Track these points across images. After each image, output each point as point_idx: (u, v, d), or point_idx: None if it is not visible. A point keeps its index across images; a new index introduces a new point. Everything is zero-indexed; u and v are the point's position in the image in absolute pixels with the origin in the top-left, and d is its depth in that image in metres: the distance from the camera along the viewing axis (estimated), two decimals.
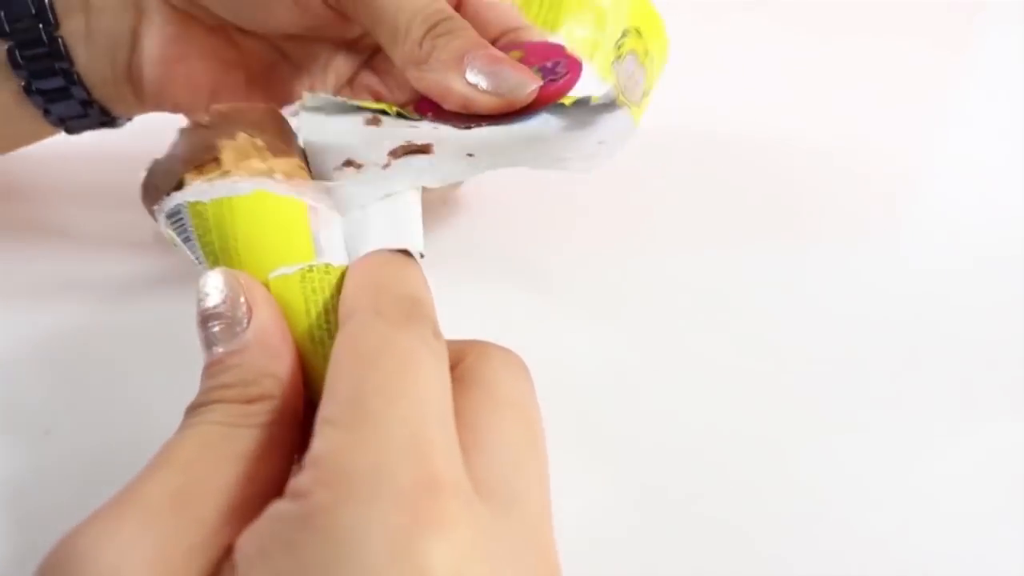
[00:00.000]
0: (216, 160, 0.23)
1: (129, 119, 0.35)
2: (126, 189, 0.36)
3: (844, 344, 0.30)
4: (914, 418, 0.28)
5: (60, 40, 0.30)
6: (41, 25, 0.29)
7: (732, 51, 0.50)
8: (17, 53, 0.30)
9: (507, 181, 0.33)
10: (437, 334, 0.21)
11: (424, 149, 0.25)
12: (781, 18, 0.55)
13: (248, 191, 0.23)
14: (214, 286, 0.22)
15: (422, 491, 0.17)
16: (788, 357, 0.30)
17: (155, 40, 0.31)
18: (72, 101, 0.31)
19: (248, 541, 0.17)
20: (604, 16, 0.24)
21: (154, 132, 0.34)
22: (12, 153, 0.34)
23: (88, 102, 0.32)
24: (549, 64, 0.28)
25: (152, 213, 0.25)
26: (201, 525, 0.18)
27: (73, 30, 0.30)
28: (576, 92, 0.27)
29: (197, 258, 0.24)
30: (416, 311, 0.21)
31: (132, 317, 0.32)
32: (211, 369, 0.21)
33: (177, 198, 0.23)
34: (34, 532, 0.24)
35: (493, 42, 0.30)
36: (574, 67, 0.27)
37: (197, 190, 0.23)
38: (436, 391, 0.19)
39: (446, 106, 0.27)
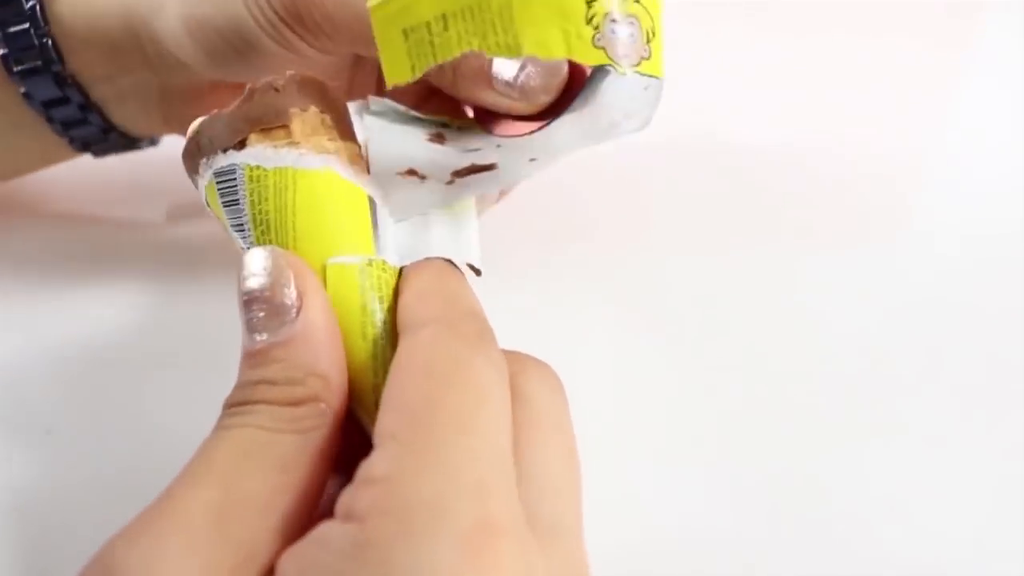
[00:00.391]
0: (285, 128, 0.21)
1: None
2: (129, 187, 0.37)
3: (858, 346, 0.30)
4: (939, 418, 0.28)
5: (96, 105, 0.30)
6: (72, 100, 0.29)
7: (733, 53, 0.49)
8: (50, 112, 0.29)
9: (518, 189, 0.32)
10: (500, 354, 0.20)
11: (488, 168, 0.24)
12: (781, 19, 0.55)
13: (317, 167, 0.21)
14: (261, 266, 0.20)
15: (481, 533, 0.16)
16: (804, 360, 0.30)
17: (186, 101, 0.30)
18: (108, 144, 0.32)
19: (289, 562, 0.16)
20: (565, 5, 0.20)
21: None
22: None
23: (125, 144, 0.32)
24: None
25: (190, 168, 0.23)
26: (243, 544, 0.16)
27: (104, 97, 0.30)
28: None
29: (240, 224, 0.22)
30: (485, 330, 0.20)
31: (134, 316, 0.31)
32: (253, 359, 0.19)
33: (234, 157, 0.21)
34: (35, 533, 0.24)
35: None
36: None
37: (260, 154, 0.21)
38: (503, 424, 0.18)
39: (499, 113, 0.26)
